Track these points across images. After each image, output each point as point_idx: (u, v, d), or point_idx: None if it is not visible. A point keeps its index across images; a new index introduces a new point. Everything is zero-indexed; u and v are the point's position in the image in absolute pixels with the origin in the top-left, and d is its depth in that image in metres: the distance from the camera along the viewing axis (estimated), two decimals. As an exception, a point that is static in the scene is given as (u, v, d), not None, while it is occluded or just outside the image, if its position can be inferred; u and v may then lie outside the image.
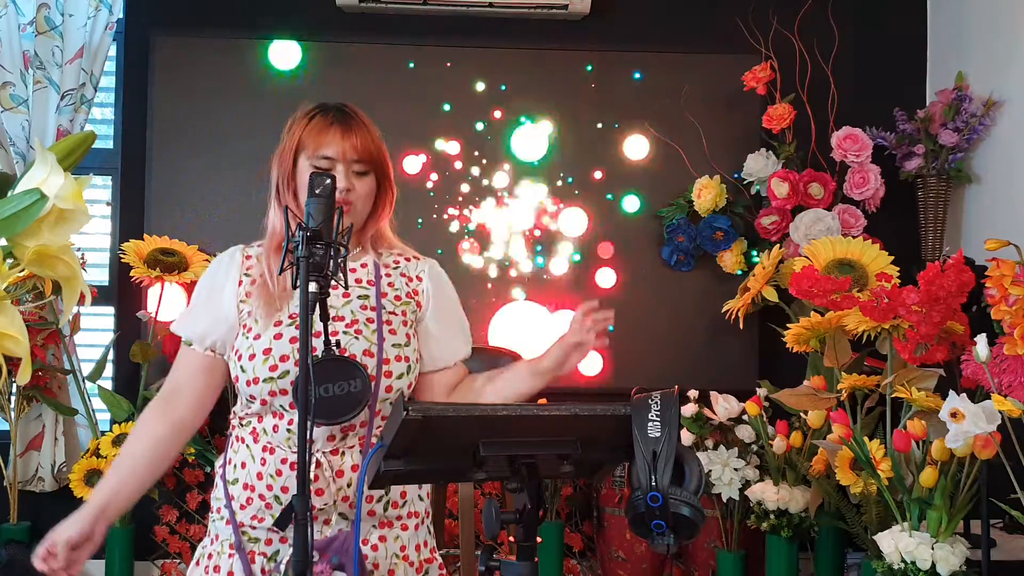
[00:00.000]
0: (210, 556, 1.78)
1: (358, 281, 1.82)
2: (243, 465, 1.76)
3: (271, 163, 1.85)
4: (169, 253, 3.26)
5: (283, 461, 1.72)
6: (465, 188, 3.51)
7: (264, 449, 1.74)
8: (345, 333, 1.74)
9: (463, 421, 1.32)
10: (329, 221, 1.51)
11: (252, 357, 1.73)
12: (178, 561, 3.35)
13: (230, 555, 1.74)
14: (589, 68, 3.54)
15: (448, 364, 1.88)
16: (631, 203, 3.54)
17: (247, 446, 1.77)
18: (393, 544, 1.77)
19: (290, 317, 1.74)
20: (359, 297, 1.80)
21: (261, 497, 1.73)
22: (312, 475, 1.68)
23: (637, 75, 3.55)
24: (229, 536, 1.75)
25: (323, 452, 1.71)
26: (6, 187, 1.04)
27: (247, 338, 1.76)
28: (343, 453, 1.72)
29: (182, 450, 1.87)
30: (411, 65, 3.51)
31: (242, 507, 1.75)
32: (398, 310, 1.81)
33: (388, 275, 1.85)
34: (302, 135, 1.80)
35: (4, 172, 2.72)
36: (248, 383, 1.74)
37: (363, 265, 1.84)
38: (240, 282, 1.81)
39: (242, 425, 1.80)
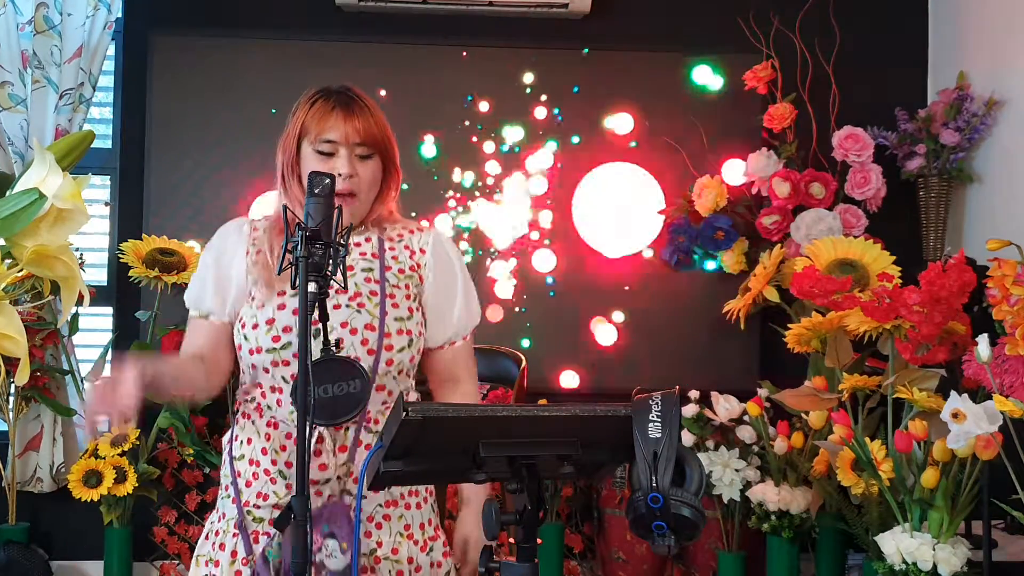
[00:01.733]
0: (217, 533, 1.80)
1: (362, 254, 1.83)
2: (248, 441, 1.78)
3: (277, 148, 1.85)
4: (168, 253, 3.25)
5: (287, 436, 1.74)
6: (464, 187, 3.51)
7: (268, 424, 1.76)
8: (348, 306, 1.75)
9: (463, 421, 1.31)
10: (328, 221, 1.51)
11: (255, 327, 1.75)
12: (177, 562, 3.34)
13: (234, 534, 1.76)
14: (588, 67, 3.53)
15: (439, 344, 1.88)
16: (631, 202, 3.53)
17: (252, 422, 1.78)
18: (397, 523, 1.79)
19: (293, 288, 1.73)
20: (363, 270, 1.81)
21: (266, 472, 1.75)
22: (314, 449, 1.70)
23: (637, 75, 3.54)
24: (235, 515, 1.77)
25: (327, 430, 1.72)
26: (5, 187, 1.04)
27: (251, 307, 1.78)
28: (346, 428, 1.74)
29: (205, 391, 1.84)
30: (410, 64, 3.50)
31: (248, 484, 1.76)
32: (401, 283, 1.82)
33: (392, 248, 1.85)
34: (304, 120, 1.80)
35: (3, 172, 2.72)
36: (251, 351, 1.75)
37: (367, 239, 1.85)
38: (247, 252, 1.83)
39: (247, 401, 1.81)
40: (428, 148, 3.50)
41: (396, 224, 1.90)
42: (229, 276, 1.83)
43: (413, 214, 3.39)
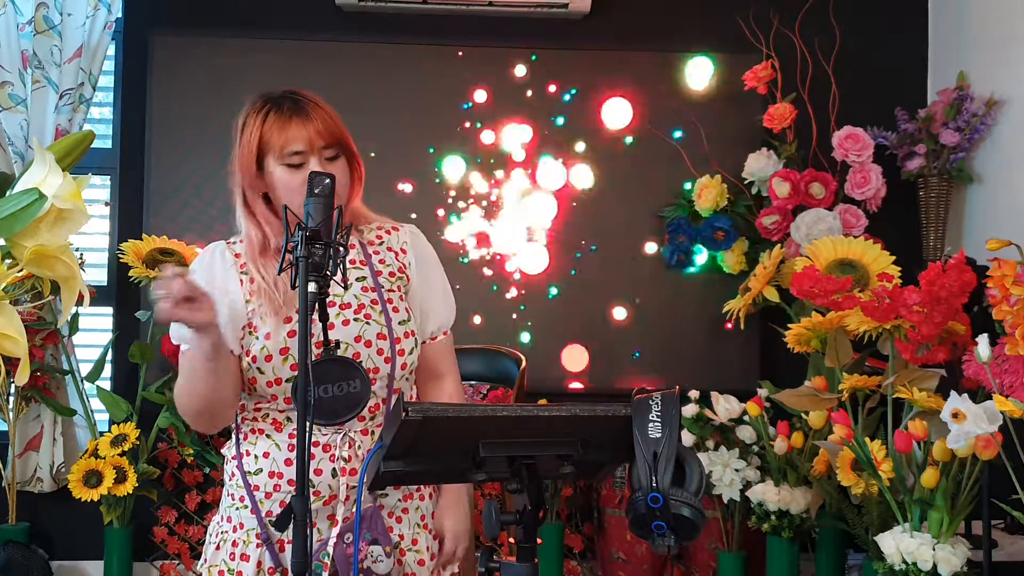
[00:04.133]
0: (235, 544, 1.77)
1: (352, 262, 1.81)
2: (266, 455, 1.75)
3: (231, 168, 1.79)
4: (168, 253, 3.25)
5: (314, 444, 1.71)
6: (465, 187, 3.51)
7: (291, 436, 1.74)
8: (356, 320, 1.75)
9: (463, 422, 1.31)
10: (328, 221, 1.51)
11: (269, 358, 1.73)
12: (177, 562, 3.35)
13: (258, 545, 1.75)
14: (588, 67, 3.53)
15: (423, 339, 1.87)
16: (631, 203, 3.53)
17: (268, 436, 1.76)
18: (415, 515, 1.80)
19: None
20: (357, 279, 1.80)
21: (290, 483, 1.72)
22: (346, 455, 1.71)
23: (637, 74, 3.54)
24: (255, 526, 1.76)
25: (355, 431, 1.72)
26: (5, 187, 1.04)
27: (257, 339, 1.74)
28: (372, 432, 1.74)
29: (232, 405, 1.77)
30: (410, 64, 3.50)
31: (268, 495, 1.75)
32: (394, 286, 1.82)
33: (376, 252, 1.84)
34: (261, 135, 1.75)
35: (3, 172, 2.71)
36: (269, 383, 1.73)
37: (351, 246, 1.83)
38: (241, 282, 1.79)
39: (259, 419, 1.78)
40: (427, 147, 3.49)
41: (371, 224, 1.88)
42: (230, 304, 1.76)
43: (414, 216, 3.39)
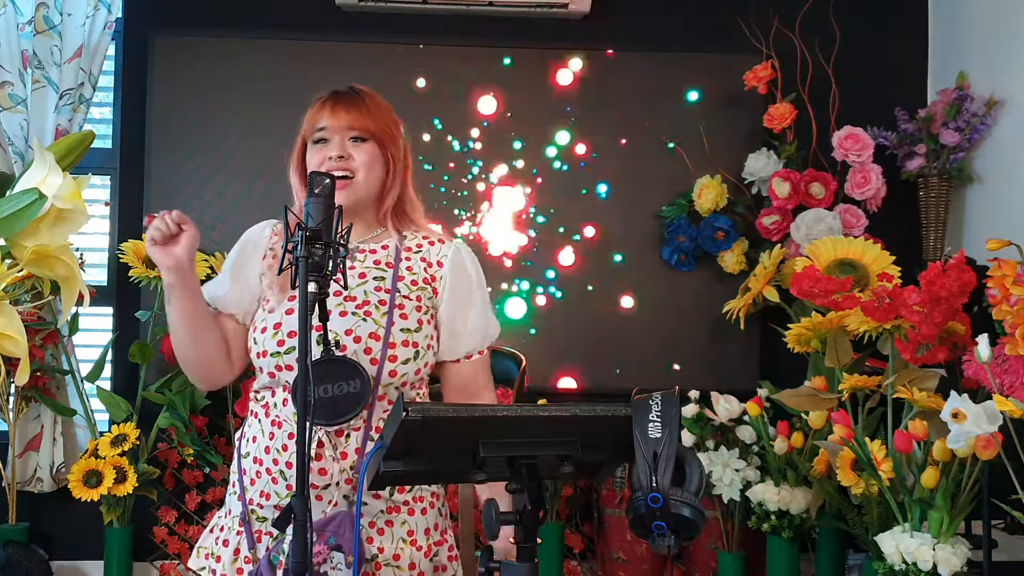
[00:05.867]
0: (222, 528, 1.81)
1: (376, 263, 1.83)
2: (254, 439, 1.79)
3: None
4: (168, 253, 3.25)
5: (290, 436, 1.73)
6: (464, 188, 3.51)
7: (273, 423, 1.76)
8: (354, 314, 1.75)
9: (463, 422, 1.31)
10: (329, 221, 1.51)
11: (263, 330, 1.77)
12: (177, 562, 3.34)
13: (238, 532, 1.77)
14: (586, 65, 3.53)
15: (454, 358, 1.86)
16: (631, 203, 3.53)
17: (259, 420, 1.79)
18: (400, 528, 1.77)
19: (293, 287, 1.73)
20: (375, 279, 1.81)
21: (268, 471, 1.75)
22: (315, 454, 1.70)
23: (637, 75, 3.54)
24: (239, 512, 1.78)
25: (327, 432, 1.71)
26: (5, 187, 1.04)
27: (263, 310, 1.81)
28: (348, 435, 1.72)
29: (217, 364, 1.85)
30: (410, 64, 3.50)
31: (252, 482, 1.77)
32: (413, 295, 1.81)
33: (408, 258, 1.84)
34: (306, 123, 1.86)
35: (3, 172, 2.71)
36: (258, 355, 1.78)
37: (383, 247, 1.85)
38: (264, 256, 1.86)
39: (256, 400, 1.82)
40: (428, 148, 3.49)
41: (418, 232, 1.89)
42: (244, 276, 1.86)
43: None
